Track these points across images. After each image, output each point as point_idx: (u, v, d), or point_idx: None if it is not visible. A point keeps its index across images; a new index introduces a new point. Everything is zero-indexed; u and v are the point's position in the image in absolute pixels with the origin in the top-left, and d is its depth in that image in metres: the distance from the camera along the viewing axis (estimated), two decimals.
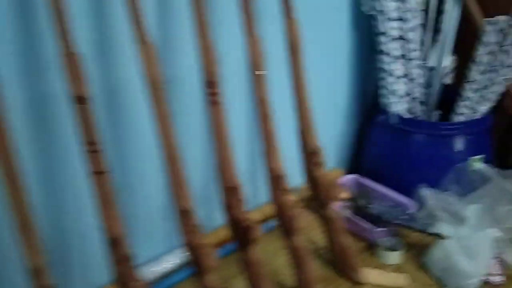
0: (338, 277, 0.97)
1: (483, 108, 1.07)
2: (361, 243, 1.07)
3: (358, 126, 1.34)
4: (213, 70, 0.76)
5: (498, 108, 1.21)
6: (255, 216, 1.11)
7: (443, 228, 0.93)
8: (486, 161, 1.13)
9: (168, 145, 0.73)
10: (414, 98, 1.17)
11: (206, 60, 0.76)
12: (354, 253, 0.96)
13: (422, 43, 1.16)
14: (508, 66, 1.00)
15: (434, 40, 1.19)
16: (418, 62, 1.14)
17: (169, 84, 0.80)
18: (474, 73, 1.04)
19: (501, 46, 0.99)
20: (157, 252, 1.00)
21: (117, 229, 0.69)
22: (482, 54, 1.01)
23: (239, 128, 1.02)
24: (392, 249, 1.01)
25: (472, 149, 1.12)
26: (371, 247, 1.04)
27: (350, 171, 1.34)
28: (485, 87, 1.03)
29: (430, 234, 0.99)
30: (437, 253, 0.94)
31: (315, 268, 0.98)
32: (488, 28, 1.02)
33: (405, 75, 1.14)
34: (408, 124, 1.13)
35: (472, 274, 0.90)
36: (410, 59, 1.13)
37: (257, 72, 0.83)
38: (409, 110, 1.18)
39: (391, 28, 1.08)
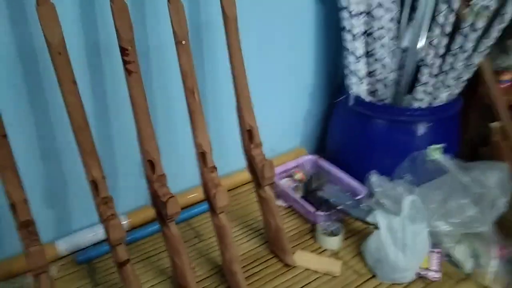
0: (270, 257, 0.95)
1: (444, 94, 1.00)
2: (305, 225, 1.05)
3: (325, 107, 1.29)
4: (128, 37, 0.73)
5: (471, 96, 1.14)
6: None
7: (378, 217, 0.89)
8: (447, 150, 1.06)
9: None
10: (378, 80, 1.11)
11: (120, 25, 0.72)
12: (286, 235, 0.94)
13: (398, 21, 1.09)
14: (465, 51, 0.92)
15: (411, 18, 1.11)
16: (385, 41, 1.07)
17: None
18: (430, 57, 0.96)
19: (459, 29, 0.91)
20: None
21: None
22: (437, 35, 0.93)
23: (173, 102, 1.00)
24: (332, 234, 0.99)
25: (434, 137, 1.06)
26: (313, 231, 1.02)
27: (314, 152, 1.31)
28: (444, 72, 0.96)
29: (369, 222, 0.96)
30: (371, 243, 0.91)
31: (250, 246, 0.98)
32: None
33: (369, 55, 1.07)
34: (365, 107, 1.08)
35: (404, 268, 0.87)
36: (375, 38, 1.06)
37: (182, 42, 0.79)
38: (372, 93, 1.12)
39: (354, 2, 1.01)
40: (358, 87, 1.09)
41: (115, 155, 0.97)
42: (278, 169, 1.17)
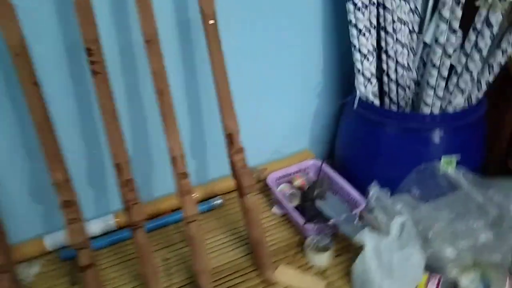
0: (252, 270, 0.90)
1: (460, 99, 0.86)
2: (296, 237, 0.98)
3: (335, 108, 1.19)
4: (92, 37, 0.70)
5: (506, 99, 0.98)
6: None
7: (365, 237, 0.79)
8: (467, 163, 0.93)
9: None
10: (392, 80, 0.99)
11: (83, 24, 0.69)
12: (267, 249, 0.87)
13: (420, 13, 0.95)
14: (480, 50, 0.77)
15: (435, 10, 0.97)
16: (402, 35, 0.94)
17: None
18: (437, 56, 0.82)
19: (471, 24, 0.76)
20: None
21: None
22: (444, 31, 0.79)
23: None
24: (321, 249, 0.91)
25: (448, 148, 0.93)
26: (303, 244, 0.94)
27: (323, 156, 1.22)
28: (457, 74, 0.83)
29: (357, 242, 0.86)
30: (358, 264, 0.82)
31: (234, 256, 0.93)
32: None
33: (383, 51, 0.96)
34: (370, 110, 0.97)
35: None
36: (389, 32, 0.94)
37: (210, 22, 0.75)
38: (386, 94, 1.00)
39: None
40: (365, 88, 0.98)
41: (103, 155, 0.96)
42: (278, 173, 1.11)
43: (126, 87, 0.90)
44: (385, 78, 1.00)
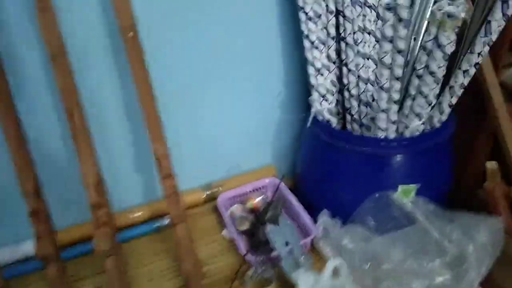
0: None
1: (415, 124, 0.76)
2: (243, 265, 0.90)
3: (298, 121, 1.10)
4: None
5: (481, 119, 0.88)
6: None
7: (300, 277, 0.71)
8: (429, 192, 0.84)
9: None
10: (352, 96, 0.89)
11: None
12: (199, 283, 0.80)
13: None
14: (433, 72, 0.67)
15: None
16: (364, 46, 0.84)
17: None
18: (384, 77, 0.72)
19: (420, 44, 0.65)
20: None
21: None
22: (388, 50, 0.68)
23: None
24: (264, 283, 0.83)
25: (407, 174, 0.84)
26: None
27: (289, 173, 1.13)
28: (410, 97, 0.73)
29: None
30: None
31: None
32: None
33: (343, 64, 0.86)
34: (322, 129, 0.88)
35: None
36: (348, 44, 0.84)
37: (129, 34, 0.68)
38: (347, 110, 0.91)
39: (311, 2, 0.80)
40: (320, 105, 0.89)
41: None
42: (231, 193, 1.03)
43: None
44: (346, 94, 0.90)
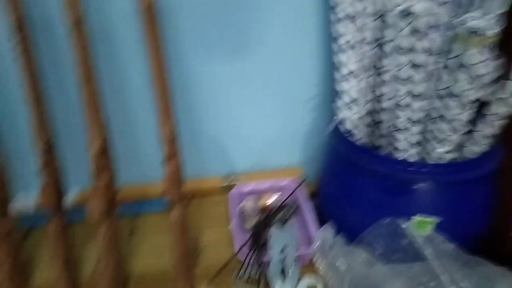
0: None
1: (439, 151, 0.67)
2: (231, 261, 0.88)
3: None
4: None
5: None
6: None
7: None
8: (454, 230, 0.74)
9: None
10: (384, 109, 0.81)
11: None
12: (185, 272, 0.80)
13: None
14: (456, 96, 0.57)
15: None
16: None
17: None
18: (401, 93, 0.63)
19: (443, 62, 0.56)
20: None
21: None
22: (402, 64, 0.59)
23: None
24: (248, 283, 0.80)
25: (428, 206, 0.75)
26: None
27: (314, 176, 1.08)
28: (431, 120, 0.63)
29: None
30: None
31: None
32: None
33: (378, 73, 0.79)
34: (340, 141, 0.82)
35: None
36: (387, 52, 0.76)
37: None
38: (366, 122, 0.84)
39: (345, 1, 0.74)
40: (344, 113, 0.83)
41: None
42: (246, 187, 1.02)
43: None
44: (376, 105, 0.83)
